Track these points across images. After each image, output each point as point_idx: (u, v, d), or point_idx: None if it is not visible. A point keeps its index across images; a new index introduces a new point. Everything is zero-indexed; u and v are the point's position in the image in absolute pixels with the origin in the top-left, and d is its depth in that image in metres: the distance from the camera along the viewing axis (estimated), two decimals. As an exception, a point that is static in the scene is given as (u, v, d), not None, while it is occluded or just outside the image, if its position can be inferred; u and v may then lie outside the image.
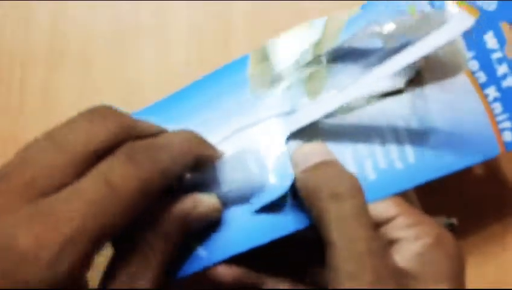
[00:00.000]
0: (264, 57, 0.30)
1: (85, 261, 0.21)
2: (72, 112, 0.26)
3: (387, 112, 0.29)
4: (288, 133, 0.29)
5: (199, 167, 0.27)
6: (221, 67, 0.31)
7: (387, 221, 0.26)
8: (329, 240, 0.24)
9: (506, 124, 0.29)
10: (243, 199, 0.28)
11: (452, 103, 0.29)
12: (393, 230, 0.26)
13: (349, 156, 0.28)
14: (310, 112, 0.28)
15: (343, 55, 0.30)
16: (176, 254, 0.26)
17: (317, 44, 0.30)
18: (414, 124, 0.29)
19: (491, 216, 0.38)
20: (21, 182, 0.21)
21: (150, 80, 0.40)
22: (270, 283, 0.29)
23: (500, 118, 0.29)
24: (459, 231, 0.38)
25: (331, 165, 0.26)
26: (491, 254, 0.37)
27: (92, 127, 0.23)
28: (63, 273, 0.20)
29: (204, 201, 0.27)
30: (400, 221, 0.26)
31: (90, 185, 0.22)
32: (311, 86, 0.29)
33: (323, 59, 0.30)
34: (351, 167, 0.28)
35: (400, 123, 0.29)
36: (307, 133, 0.29)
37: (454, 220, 0.37)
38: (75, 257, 0.20)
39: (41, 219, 0.20)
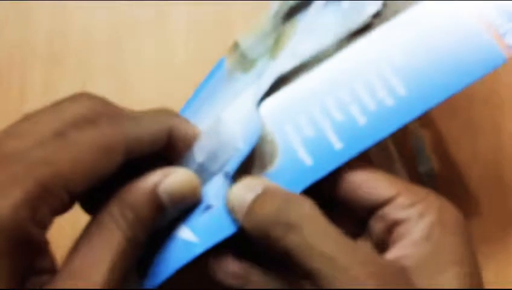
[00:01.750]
0: (236, 47, 0.30)
1: (31, 204, 0.21)
2: None
3: (362, 51, 0.28)
4: (257, 97, 0.28)
5: (176, 145, 0.27)
6: (208, 74, 0.31)
7: (387, 202, 0.25)
8: (311, 269, 0.23)
9: (508, 26, 0.26)
10: (218, 167, 0.27)
11: (433, 23, 0.27)
12: (396, 211, 0.25)
13: (332, 106, 0.27)
14: (274, 69, 0.28)
15: (295, 8, 0.30)
16: (147, 235, 0.25)
17: (274, 15, 0.30)
18: (395, 55, 0.27)
19: (491, 216, 0.38)
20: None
21: (150, 80, 0.40)
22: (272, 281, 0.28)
23: (498, 21, 0.26)
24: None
25: (267, 197, 0.25)
26: (491, 254, 0.37)
27: (69, 104, 0.25)
28: (6, 207, 0.21)
29: (176, 171, 0.25)
30: (401, 200, 0.25)
31: (49, 138, 0.23)
32: (274, 50, 0.29)
33: (279, 20, 0.29)
34: (337, 115, 0.27)
35: (379, 59, 0.27)
36: (280, 92, 0.28)
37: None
38: (17, 194, 0.21)
39: None
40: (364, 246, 0.25)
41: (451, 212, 0.25)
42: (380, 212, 0.26)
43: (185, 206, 0.26)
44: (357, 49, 0.28)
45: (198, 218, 0.26)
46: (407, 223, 0.25)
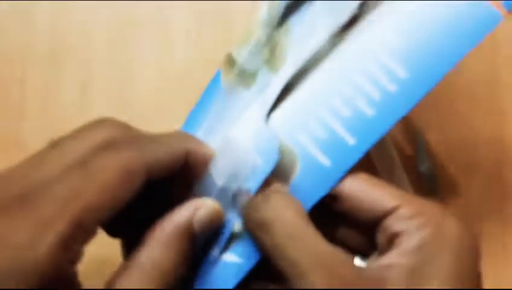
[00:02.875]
0: (232, 61, 0.30)
1: (67, 245, 0.21)
2: (73, 112, 0.26)
3: (357, 43, 0.28)
4: (265, 112, 0.28)
5: (193, 167, 0.27)
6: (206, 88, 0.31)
7: (388, 213, 0.25)
8: (277, 271, 0.23)
9: None
10: (239, 187, 0.27)
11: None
12: (396, 222, 0.25)
13: (339, 104, 0.27)
14: (276, 82, 0.28)
15: (287, 13, 0.29)
16: (185, 266, 0.25)
17: (266, 23, 0.30)
18: (388, 39, 0.27)
19: (491, 216, 0.38)
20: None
21: (151, 80, 0.40)
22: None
23: None
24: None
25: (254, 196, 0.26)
26: (491, 254, 0.37)
27: (90, 131, 0.25)
28: (42, 255, 0.21)
29: (205, 204, 0.26)
30: (401, 212, 0.25)
31: (70, 171, 0.23)
32: (272, 61, 0.29)
33: (272, 28, 0.29)
34: (345, 113, 0.27)
35: (374, 47, 0.27)
36: (286, 102, 0.28)
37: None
38: (53, 239, 0.21)
39: (18, 204, 0.22)
40: (338, 253, 0.24)
41: (452, 228, 0.24)
42: (383, 224, 0.25)
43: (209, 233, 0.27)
44: (351, 43, 0.28)
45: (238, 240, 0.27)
46: (404, 234, 0.24)
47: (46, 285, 0.21)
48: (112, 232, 0.28)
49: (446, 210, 0.25)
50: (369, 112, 0.26)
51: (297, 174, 0.27)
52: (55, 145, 0.25)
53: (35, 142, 0.35)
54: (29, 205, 0.22)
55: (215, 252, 0.27)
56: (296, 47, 0.28)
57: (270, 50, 0.29)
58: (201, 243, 0.27)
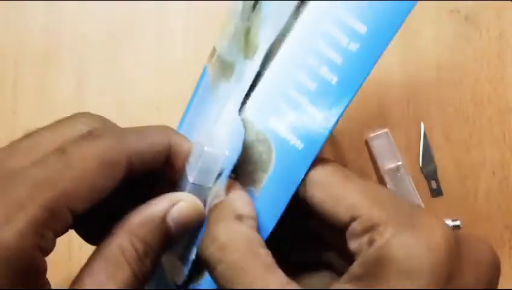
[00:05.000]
0: (213, 53, 0.30)
1: (37, 229, 0.21)
2: (67, 111, 0.26)
3: (314, 8, 0.27)
4: (239, 101, 0.27)
5: (175, 162, 0.26)
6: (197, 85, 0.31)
7: (345, 227, 0.23)
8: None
9: None
10: (213, 182, 0.27)
11: None
12: (350, 239, 0.22)
13: (304, 77, 0.26)
14: (250, 68, 0.27)
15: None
16: (154, 260, 0.24)
17: (242, 12, 0.29)
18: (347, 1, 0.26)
19: (496, 217, 0.38)
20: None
21: (146, 79, 0.39)
22: None
23: None
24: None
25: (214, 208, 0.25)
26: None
27: (69, 122, 0.24)
28: (10, 236, 0.20)
29: (183, 199, 0.25)
30: (354, 226, 0.22)
31: (48, 158, 0.22)
32: (246, 47, 0.28)
33: (246, 15, 0.29)
34: (311, 87, 0.26)
35: (333, 11, 0.26)
36: (258, 88, 0.27)
37: (458, 222, 0.37)
38: (22, 222, 0.20)
39: None
40: (278, 275, 0.22)
41: (406, 245, 0.20)
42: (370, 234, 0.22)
43: (188, 232, 0.26)
44: (309, 9, 0.27)
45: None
46: (356, 254, 0.21)
47: (12, 271, 0.20)
48: (85, 232, 0.27)
49: (440, 229, 0.20)
50: (334, 79, 0.25)
51: (275, 162, 0.26)
52: (31, 134, 0.24)
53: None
54: (2, 189, 0.21)
55: (192, 254, 0.26)
56: (267, 29, 0.28)
57: (244, 36, 0.28)
58: (186, 242, 0.26)
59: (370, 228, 0.21)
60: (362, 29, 0.25)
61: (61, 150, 0.22)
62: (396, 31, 0.25)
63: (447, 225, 0.21)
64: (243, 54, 0.28)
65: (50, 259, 0.22)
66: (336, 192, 0.23)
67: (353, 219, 0.22)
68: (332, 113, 0.25)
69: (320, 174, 0.24)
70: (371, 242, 0.21)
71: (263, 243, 0.23)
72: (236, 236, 0.23)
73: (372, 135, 0.38)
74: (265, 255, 0.23)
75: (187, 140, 0.26)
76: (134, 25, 0.40)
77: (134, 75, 0.39)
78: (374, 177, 0.38)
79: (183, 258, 0.27)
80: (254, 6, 0.28)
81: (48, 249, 0.21)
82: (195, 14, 0.40)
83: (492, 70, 0.39)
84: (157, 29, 0.40)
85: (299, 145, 0.26)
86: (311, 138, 0.26)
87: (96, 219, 0.25)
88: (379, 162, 0.37)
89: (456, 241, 0.20)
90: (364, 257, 0.21)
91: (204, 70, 0.30)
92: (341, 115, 0.25)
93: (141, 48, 0.39)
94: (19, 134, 0.38)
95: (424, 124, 0.38)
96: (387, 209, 0.21)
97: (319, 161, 0.25)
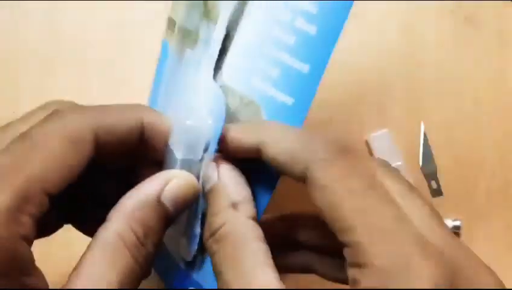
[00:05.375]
0: (172, 24, 0.29)
1: (12, 217, 0.20)
2: None
3: None
4: (211, 67, 0.26)
5: (152, 140, 0.25)
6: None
7: (361, 265, 0.21)
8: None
9: None
10: (202, 154, 0.26)
11: None
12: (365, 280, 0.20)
13: (281, 33, 0.25)
14: (216, 32, 0.26)
15: None
16: (156, 242, 0.24)
17: None
18: None
19: (496, 217, 0.38)
20: None
21: (144, 80, 0.39)
22: None
23: None
24: (464, 233, 0.38)
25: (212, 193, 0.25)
26: (495, 255, 0.37)
27: (37, 111, 0.24)
28: None
29: (175, 176, 0.24)
30: (353, 252, 0.20)
31: (12, 144, 0.22)
32: (208, 11, 0.27)
33: None
34: (290, 41, 0.25)
35: None
36: (232, 50, 0.26)
37: (458, 222, 0.37)
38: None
39: None
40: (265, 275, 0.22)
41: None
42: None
43: (186, 209, 0.26)
44: None
45: None
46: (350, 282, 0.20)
47: None
48: (84, 228, 0.26)
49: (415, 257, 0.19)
50: (311, 29, 0.25)
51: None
52: (3, 127, 0.24)
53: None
54: None
55: (195, 228, 0.26)
56: None
57: (204, 1, 0.27)
58: (187, 218, 0.26)
59: (358, 265, 0.20)
60: None
61: (24, 134, 0.22)
62: None
63: (440, 270, 0.19)
64: (206, 19, 0.27)
65: (50, 258, 0.22)
66: (333, 206, 0.21)
67: (346, 245, 0.20)
68: (319, 61, 0.24)
69: (323, 175, 0.22)
70: (357, 281, 0.20)
71: (260, 235, 0.23)
72: (231, 228, 0.23)
73: (372, 135, 0.38)
74: (259, 250, 0.22)
75: (163, 116, 0.26)
76: (134, 25, 0.40)
77: (134, 75, 0.39)
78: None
79: (188, 234, 0.26)
80: None
81: (28, 235, 0.21)
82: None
83: (492, 70, 0.39)
84: (157, 29, 0.40)
85: (289, 100, 0.25)
86: (300, 91, 0.25)
87: (90, 209, 0.25)
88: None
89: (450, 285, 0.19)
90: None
91: (164, 44, 0.29)
92: (327, 62, 0.24)
93: (141, 48, 0.39)
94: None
95: (424, 124, 0.38)
96: (380, 247, 0.19)
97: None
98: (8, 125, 0.24)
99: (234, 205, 0.23)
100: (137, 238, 0.22)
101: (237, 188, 0.24)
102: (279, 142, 0.23)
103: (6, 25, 0.39)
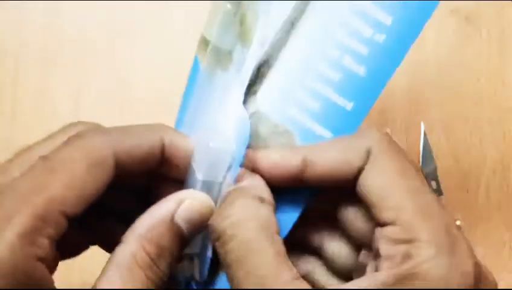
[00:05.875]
0: (206, 43, 0.29)
1: (29, 239, 0.20)
2: (66, 113, 0.26)
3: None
4: (242, 92, 0.26)
5: (173, 161, 0.25)
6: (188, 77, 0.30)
7: (414, 241, 0.22)
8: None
9: None
10: (224, 176, 0.26)
11: None
12: (381, 240, 0.23)
13: (326, 68, 0.25)
14: (251, 57, 0.26)
15: None
16: (169, 261, 0.24)
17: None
18: None
19: (496, 217, 0.38)
20: None
21: (145, 80, 0.39)
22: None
23: None
24: (464, 233, 0.38)
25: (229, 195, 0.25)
26: (495, 255, 0.37)
27: (59, 133, 0.24)
28: (2, 251, 0.20)
29: (190, 196, 0.24)
30: (392, 231, 0.22)
31: (34, 167, 0.22)
32: (243, 34, 0.27)
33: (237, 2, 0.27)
34: (335, 77, 0.25)
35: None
36: (270, 77, 0.26)
37: (459, 222, 0.37)
38: (13, 233, 0.20)
39: None
40: (292, 276, 0.22)
41: (437, 272, 0.21)
42: (374, 235, 0.23)
43: (202, 230, 0.25)
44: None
45: None
46: (385, 261, 0.22)
47: (10, 285, 0.20)
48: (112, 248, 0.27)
49: (452, 238, 0.22)
50: (361, 70, 0.25)
51: None
52: (24, 150, 0.24)
53: (28, 143, 0.34)
54: None
55: (208, 250, 0.26)
56: (263, 15, 0.26)
57: (240, 22, 0.27)
58: (202, 239, 0.26)
59: (409, 241, 0.21)
60: (388, 20, 0.25)
61: (44, 157, 0.22)
62: (427, 19, 0.24)
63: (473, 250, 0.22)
64: (241, 42, 0.27)
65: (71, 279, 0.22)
66: (385, 186, 0.23)
67: (393, 223, 0.22)
68: (364, 101, 0.25)
69: (384, 156, 0.24)
70: (408, 256, 0.21)
71: (278, 231, 0.23)
72: (255, 215, 0.23)
73: (372, 135, 0.38)
74: (278, 243, 0.22)
75: (184, 136, 0.26)
76: (134, 25, 0.40)
77: (134, 75, 0.39)
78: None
79: (201, 256, 0.26)
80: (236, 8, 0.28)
81: (46, 257, 0.21)
82: (195, 14, 0.40)
83: (492, 70, 0.39)
84: (157, 29, 0.40)
85: (327, 134, 0.25)
86: (340, 127, 0.25)
87: (115, 229, 0.25)
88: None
89: (479, 271, 0.22)
90: (399, 270, 0.21)
91: (195, 61, 0.29)
92: (372, 105, 0.25)
93: (141, 48, 0.39)
94: (18, 135, 0.38)
95: (424, 124, 0.38)
96: (430, 224, 0.22)
97: (376, 133, 0.24)
98: (30, 147, 0.24)
99: (260, 199, 0.23)
100: (151, 258, 0.23)
101: (264, 189, 0.24)
102: (327, 149, 0.24)
103: (6, 25, 0.39)
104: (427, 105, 0.38)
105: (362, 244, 0.25)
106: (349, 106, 0.25)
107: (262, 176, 0.24)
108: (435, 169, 0.38)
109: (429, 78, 0.38)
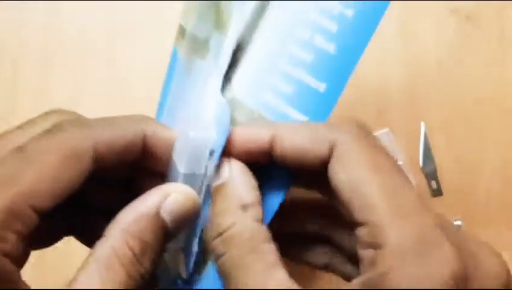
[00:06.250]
0: (183, 32, 0.28)
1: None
2: None
3: None
4: (220, 79, 0.26)
5: (155, 152, 0.25)
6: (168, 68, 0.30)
7: (380, 246, 0.21)
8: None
9: None
10: (200, 167, 0.25)
11: None
12: (359, 243, 0.22)
13: (297, 50, 0.25)
14: (226, 43, 0.26)
15: None
16: (152, 257, 0.23)
17: None
18: None
19: (497, 217, 0.38)
20: None
21: (144, 79, 0.39)
22: None
23: None
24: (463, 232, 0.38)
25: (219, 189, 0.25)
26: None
27: (37, 120, 0.24)
28: None
29: (175, 190, 0.24)
30: (363, 233, 0.21)
31: (6, 157, 0.21)
32: (219, 22, 0.26)
33: None
34: (307, 58, 0.25)
35: None
36: (243, 63, 0.26)
37: (459, 222, 0.37)
38: None
39: None
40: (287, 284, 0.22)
41: (424, 277, 0.19)
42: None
43: (187, 225, 0.25)
44: None
45: None
46: (360, 262, 0.21)
47: None
48: (87, 240, 0.26)
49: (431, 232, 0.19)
50: (331, 48, 0.24)
51: None
52: (1, 135, 0.23)
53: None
54: None
55: (194, 246, 0.25)
56: (238, 1, 0.26)
57: (215, 10, 0.26)
58: (187, 234, 0.25)
59: (376, 246, 0.20)
60: None
61: (20, 148, 0.21)
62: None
63: (458, 255, 0.19)
64: (217, 30, 0.26)
65: (47, 270, 0.21)
66: (355, 182, 0.21)
67: (363, 224, 0.20)
68: (337, 82, 0.24)
69: (351, 148, 0.22)
70: (373, 263, 0.20)
71: (267, 236, 0.23)
72: (241, 230, 0.23)
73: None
74: (268, 251, 0.22)
75: (166, 127, 0.25)
76: (134, 25, 0.40)
77: (133, 75, 0.39)
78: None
79: (186, 250, 0.26)
80: None
81: (13, 252, 0.20)
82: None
83: (492, 70, 0.39)
84: (157, 30, 0.40)
85: (302, 118, 0.25)
86: (314, 110, 0.25)
87: (92, 221, 0.24)
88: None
89: (464, 275, 0.19)
90: (366, 277, 0.20)
91: (174, 51, 0.28)
92: (345, 85, 0.24)
93: (141, 48, 0.39)
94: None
95: (424, 124, 0.38)
96: (402, 226, 0.20)
97: (347, 124, 0.23)
98: (7, 133, 0.23)
99: (244, 207, 0.23)
100: (134, 254, 0.22)
101: (248, 189, 0.24)
102: (297, 131, 0.23)
103: (6, 25, 0.39)
104: (427, 105, 0.38)
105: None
106: (322, 87, 0.24)
107: (235, 150, 0.24)
108: (435, 169, 0.38)
109: (429, 78, 0.38)
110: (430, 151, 0.38)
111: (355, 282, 0.20)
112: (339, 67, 0.24)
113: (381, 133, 0.37)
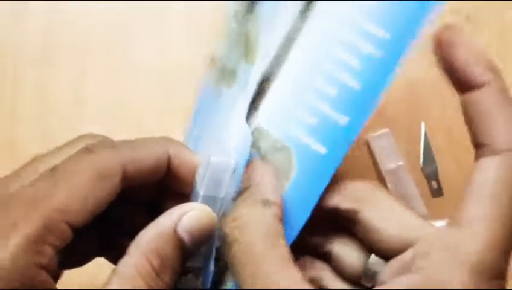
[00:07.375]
0: (214, 61, 0.29)
1: (33, 247, 0.21)
2: (66, 113, 0.26)
3: (326, 13, 0.26)
4: (245, 108, 0.27)
5: (178, 175, 0.26)
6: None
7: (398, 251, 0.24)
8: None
9: None
10: (225, 191, 0.26)
11: None
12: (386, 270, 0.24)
13: (322, 84, 0.26)
14: (254, 74, 0.27)
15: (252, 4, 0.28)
16: (172, 274, 0.24)
17: (235, 15, 0.28)
18: (362, 2, 0.25)
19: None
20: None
21: (145, 79, 0.39)
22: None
23: None
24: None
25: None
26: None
27: (68, 145, 0.25)
28: (5, 258, 0.20)
29: (192, 208, 0.25)
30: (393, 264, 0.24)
31: (41, 177, 0.23)
32: (247, 53, 0.27)
33: (241, 19, 0.27)
34: (332, 93, 0.25)
35: (349, 12, 0.25)
36: (270, 94, 0.27)
37: None
38: (17, 241, 0.21)
39: None
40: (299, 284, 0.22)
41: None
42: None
43: (204, 241, 0.26)
44: (320, 14, 0.26)
45: None
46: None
47: None
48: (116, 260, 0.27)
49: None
50: (355, 84, 0.25)
51: (297, 169, 0.26)
52: (34, 159, 0.25)
53: (28, 142, 0.35)
54: (1, 212, 0.22)
55: (210, 264, 0.26)
56: (266, 33, 0.27)
57: (244, 41, 0.28)
58: (205, 252, 0.26)
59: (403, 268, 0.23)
60: (382, 33, 0.25)
61: (54, 168, 0.23)
62: (417, 33, 0.25)
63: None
64: (244, 60, 0.28)
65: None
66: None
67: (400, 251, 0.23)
68: (358, 116, 0.25)
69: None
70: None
71: (283, 235, 0.23)
72: (259, 219, 0.23)
73: (372, 135, 0.37)
74: (283, 247, 0.23)
75: (189, 150, 0.27)
76: (134, 26, 0.39)
77: (134, 76, 0.39)
78: (375, 177, 0.37)
79: (203, 269, 0.27)
80: (249, 8, 0.28)
81: (49, 265, 0.22)
82: (196, 14, 0.40)
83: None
84: (157, 30, 0.40)
85: (322, 150, 0.25)
86: (334, 142, 0.25)
87: (121, 241, 0.25)
88: (380, 162, 0.37)
89: None
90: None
91: (205, 79, 0.29)
92: (366, 119, 0.25)
93: (141, 49, 0.39)
94: (18, 134, 0.38)
95: (424, 124, 0.38)
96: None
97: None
98: (39, 158, 0.25)
99: (265, 202, 0.24)
100: (154, 270, 0.23)
101: (272, 189, 0.25)
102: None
103: (6, 25, 0.39)
104: (427, 105, 0.38)
105: (356, 279, 0.26)
106: (344, 120, 0.25)
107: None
108: (436, 169, 0.38)
109: (430, 78, 0.38)
110: (430, 151, 0.38)
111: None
112: (363, 102, 0.25)
113: (381, 134, 0.37)
